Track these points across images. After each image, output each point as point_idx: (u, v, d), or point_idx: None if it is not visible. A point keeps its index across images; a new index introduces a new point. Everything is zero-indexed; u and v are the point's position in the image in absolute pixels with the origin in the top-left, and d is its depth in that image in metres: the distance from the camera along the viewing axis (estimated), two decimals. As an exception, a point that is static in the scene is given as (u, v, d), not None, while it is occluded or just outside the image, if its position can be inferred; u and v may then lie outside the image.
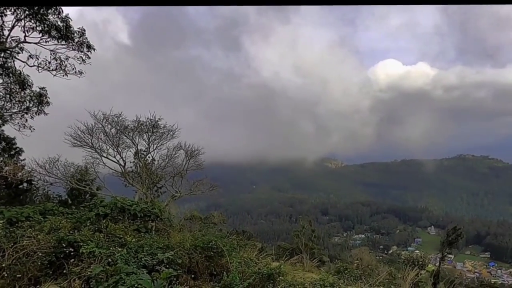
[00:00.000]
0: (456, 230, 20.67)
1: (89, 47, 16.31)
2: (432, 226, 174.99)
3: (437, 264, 20.00)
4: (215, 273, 8.54)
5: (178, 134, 16.65)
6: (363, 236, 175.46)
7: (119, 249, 7.30)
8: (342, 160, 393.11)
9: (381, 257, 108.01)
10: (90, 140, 15.91)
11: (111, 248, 7.34)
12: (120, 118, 16.33)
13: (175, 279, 7.01)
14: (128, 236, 8.62)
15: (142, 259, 6.97)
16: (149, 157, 17.31)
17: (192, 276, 8.23)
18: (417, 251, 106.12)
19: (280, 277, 6.47)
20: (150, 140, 16.61)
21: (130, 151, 17.13)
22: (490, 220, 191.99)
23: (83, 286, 5.74)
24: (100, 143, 16.19)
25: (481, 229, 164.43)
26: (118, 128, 16.33)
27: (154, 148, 16.85)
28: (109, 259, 6.69)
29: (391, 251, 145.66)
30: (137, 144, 16.80)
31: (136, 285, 4.22)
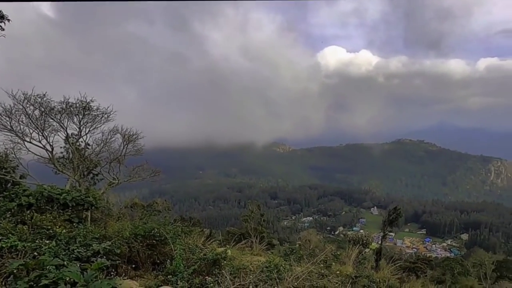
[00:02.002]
0: (396, 210, 22.41)
1: (2, 17, 14.45)
2: (375, 207, 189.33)
3: (380, 242, 21.59)
4: (158, 261, 8.38)
5: (113, 116, 15.66)
6: (311, 218, 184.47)
7: (47, 242, 6.80)
8: (292, 144, 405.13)
9: (328, 238, 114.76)
10: (8, 122, 14.37)
11: (38, 241, 6.80)
12: (45, 99, 14.90)
13: (113, 270, 6.73)
14: (57, 227, 8.05)
15: (75, 251, 6.56)
16: (82, 141, 16.15)
17: (133, 266, 7.99)
18: (362, 231, 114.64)
19: (225, 262, 6.52)
20: (82, 123, 15.43)
21: (59, 135, 15.82)
22: (426, 200, 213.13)
23: (3, 283, 5.26)
24: (22, 126, 14.71)
25: (418, 208, 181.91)
26: (43, 109, 14.90)
27: (87, 132, 15.70)
28: (35, 253, 6.20)
29: (337, 231, 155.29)
30: (66, 128, 15.52)
31: (62, 278, 3.93)
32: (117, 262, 7.33)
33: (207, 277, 6.23)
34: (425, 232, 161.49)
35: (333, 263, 6.33)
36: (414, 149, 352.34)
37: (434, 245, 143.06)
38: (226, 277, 5.19)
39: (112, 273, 6.47)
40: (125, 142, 15.89)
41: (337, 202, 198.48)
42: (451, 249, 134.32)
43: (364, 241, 19.99)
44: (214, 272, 6.53)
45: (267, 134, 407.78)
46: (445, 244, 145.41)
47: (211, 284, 5.34)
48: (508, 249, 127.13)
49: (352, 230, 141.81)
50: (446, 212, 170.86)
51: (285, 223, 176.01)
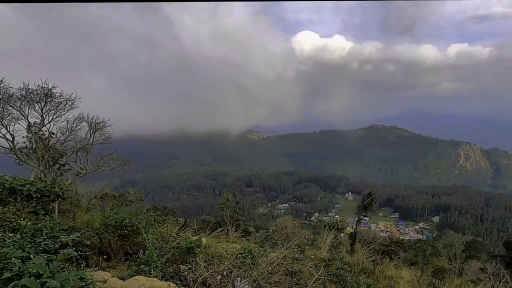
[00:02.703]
0: (370, 195, 23.14)
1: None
2: (350, 192, 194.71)
3: (354, 226, 22.31)
4: (131, 251, 8.36)
5: (78, 104, 15.12)
6: (286, 205, 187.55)
7: (11, 235, 6.62)
8: (267, 131, 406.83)
9: (304, 224, 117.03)
10: (-39, 110, 13.63)
11: (1, 234, 6.61)
12: (2, 85, 14.19)
13: (84, 262, 6.67)
14: (22, 219, 7.83)
15: (41, 243, 6.44)
16: (45, 130, 15.54)
17: (105, 257, 7.95)
18: (337, 216, 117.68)
19: (198, 249, 6.61)
20: (44, 111, 14.82)
21: (20, 123, 15.14)
22: (398, 185, 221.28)
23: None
24: (-23, 115, 13.99)
25: (391, 193, 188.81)
26: (1, 97, 14.21)
27: (50, 120, 15.11)
28: (-2, 247, 6.02)
29: (313, 217, 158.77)
30: (28, 116, 14.88)
31: (26, 270, 3.86)
32: (88, 253, 7.26)
33: (181, 265, 6.30)
34: (398, 216, 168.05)
35: (307, 247, 6.55)
36: (387, 134, 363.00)
37: (407, 228, 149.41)
38: (200, 264, 5.28)
39: (82, 264, 6.42)
40: (91, 131, 15.44)
41: (312, 189, 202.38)
42: (423, 232, 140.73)
43: (339, 226, 20.63)
44: (188, 260, 6.60)
45: (242, 121, 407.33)
46: (417, 227, 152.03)
47: (185, 272, 5.41)
48: (476, 230, 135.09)
49: (328, 216, 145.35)
50: (418, 196, 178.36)
51: (261, 210, 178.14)
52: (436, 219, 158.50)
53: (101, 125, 15.55)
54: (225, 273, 4.99)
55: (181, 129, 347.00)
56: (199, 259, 5.71)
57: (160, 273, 6.46)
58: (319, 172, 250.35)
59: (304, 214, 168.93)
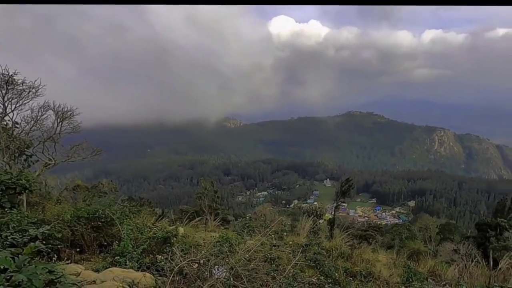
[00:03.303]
0: (348, 181, 23.62)
1: None
2: (328, 179, 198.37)
3: (333, 212, 22.77)
4: (105, 243, 8.25)
5: (43, 91, 14.45)
6: (265, 193, 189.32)
7: (-26, 230, 6.35)
8: (245, 120, 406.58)
9: (283, 211, 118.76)
10: None
11: (-37, 230, 6.34)
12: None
13: (55, 255, 6.52)
14: (-14, 214, 7.52)
15: (8, 237, 6.22)
16: (8, 120, 14.85)
17: (78, 249, 7.80)
18: (316, 203, 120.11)
19: (175, 239, 6.59)
20: (6, 99, 14.12)
21: (-21, 112, 14.40)
22: (375, 170, 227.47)
23: None
24: None
25: (368, 179, 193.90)
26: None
27: (13, 109, 14.43)
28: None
29: (292, 205, 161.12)
30: (-13, 105, 14.15)
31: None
32: (59, 246, 7.10)
33: (158, 255, 6.26)
34: (375, 201, 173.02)
35: (285, 234, 6.67)
36: (364, 121, 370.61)
37: (384, 213, 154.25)
38: (176, 253, 5.26)
39: (53, 258, 6.27)
40: (58, 120, 14.86)
41: (291, 176, 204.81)
42: (400, 216, 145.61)
43: (318, 213, 21.04)
44: (165, 250, 6.57)
45: (219, 109, 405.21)
46: (394, 212, 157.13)
47: (162, 262, 5.39)
48: (450, 213, 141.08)
49: (307, 203, 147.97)
50: (395, 181, 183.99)
51: (240, 198, 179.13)
52: (412, 203, 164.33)
53: (68, 113, 14.98)
54: (201, 261, 4.99)
55: (156, 117, 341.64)
56: (176, 248, 5.69)
57: (136, 264, 6.41)
58: (298, 160, 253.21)
59: (283, 201, 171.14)
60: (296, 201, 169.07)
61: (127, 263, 6.44)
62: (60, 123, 14.91)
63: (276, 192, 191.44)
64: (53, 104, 14.75)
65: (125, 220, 8.39)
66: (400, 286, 5.85)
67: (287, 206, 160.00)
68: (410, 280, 5.99)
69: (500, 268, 8.47)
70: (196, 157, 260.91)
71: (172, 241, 6.78)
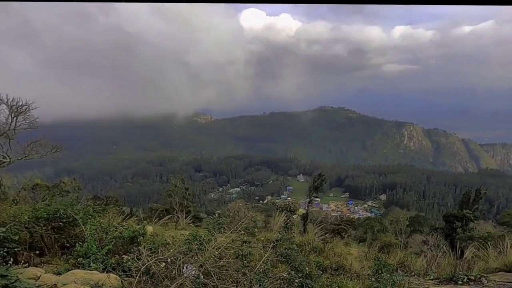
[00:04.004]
0: (320, 176, 24.03)
1: None
2: (301, 174, 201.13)
3: (306, 207, 23.12)
4: (68, 245, 7.97)
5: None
6: (238, 189, 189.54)
7: None
8: (217, 115, 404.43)
9: (257, 207, 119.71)
10: None
11: None
12: None
13: (12, 259, 6.23)
14: None
15: (-42, 242, 5.88)
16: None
17: (37, 252, 7.50)
18: (289, 198, 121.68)
19: (142, 238, 6.47)
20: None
21: None
22: (348, 165, 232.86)
23: None
24: None
25: (341, 173, 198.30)
26: None
27: (-41, 103, 13.54)
28: None
29: (266, 200, 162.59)
30: None
31: None
32: (16, 249, 6.80)
33: (124, 255, 6.13)
34: (348, 196, 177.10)
35: (256, 230, 6.71)
36: (336, 116, 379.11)
37: (356, 207, 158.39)
38: (142, 253, 5.17)
39: (9, 262, 5.98)
40: (13, 114, 14.08)
41: (264, 172, 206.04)
42: (372, 210, 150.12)
43: (292, 208, 21.23)
44: (132, 250, 6.44)
45: (189, 104, 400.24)
46: (366, 206, 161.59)
47: (128, 262, 5.28)
48: (419, 205, 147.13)
49: (280, 198, 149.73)
50: (366, 176, 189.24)
51: (212, 195, 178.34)
52: (383, 197, 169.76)
53: (24, 108, 14.22)
54: (169, 260, 4.93)
55: (122, 112, 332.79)
56: (142, 247, 5.58)
57: (101, 265, 6.24)
58: (270, 155, 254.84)
59: (257, 197, 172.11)
60: (269, 197, 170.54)
61: (91, 265, 6.26)
62: (15, 118, 14.14)
63: (249, 188, 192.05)
64: (6, 97, 13.95)
65: (89, 220, 8.14)
66: (370, 278, 6.04)
67: (261, 202, 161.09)
68: (380, 271, 6.21)
69: (465, 258, 8.95)
70: (165, 154, 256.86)
71: (139, 240, 6.65)
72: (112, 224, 8.34)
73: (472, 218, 21.43)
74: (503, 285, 5.72)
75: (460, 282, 5.93)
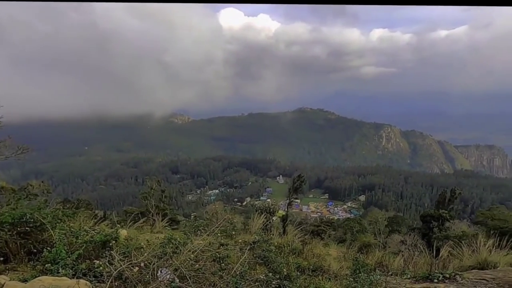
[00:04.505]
0: (300, 177, 24.19)
1: None
2: (281, 176, 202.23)
3: (286, 209, 23.25)
4: (35, 251, 7.70)
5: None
6: (217, 191, 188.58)
7: None
8: (195, 115, 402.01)
9: (236, 209, 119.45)
10: None
11: None
12: None
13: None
14: None
15: None
16: None
17: (1, 259, 7.21)
18: (269, 200, 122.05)
19: (114, 242, 6.33)
20: None
21: None
22: (327, 166, 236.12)
23: None
24: None
25: (320, 174, 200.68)
26: None
27: None
28: None
29: (245, 202, 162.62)
30: None
31: None
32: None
33: (95, 260, 5.97)
34: (327, 197, 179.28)
35: (233, 233, 6.69)
36: (315, 117, 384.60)
37: (336, 208, 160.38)
38: (115, 257, 5.05)
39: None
40: (-27, 114, 13.45)
41: (243, 173, 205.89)
42: (351, 210, 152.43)
43: (271, 210, 21.28)
44: (104, 254, 6.29)
45: (166, 104, 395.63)
46: (345, 206, 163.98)
47: (100, 267, 5.14)
48: (397, 206, 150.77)
49: (260, 200, 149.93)
50: (346, 177, 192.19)
51: (190, 197, 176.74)
52: (362, 197, 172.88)
53: (-14, 106, 13.62)
54: (143, 264, 4.84)
55: (94, 111, 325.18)
56: (115, 252, 5.45)
57: (71, 271, 6.05)
58: (249, 156, 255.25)
59: (236, 199, 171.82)
60: (248, 199, 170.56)
61: (60, 271, 6.06)
62: (-23, 117, 13.55)
63: (228, 190, 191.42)
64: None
65: (58, 225, 7.89)
66: (348, 278, 6.13)
67: (240, 204, 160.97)
68: (358, 272, 6.31)
69: (441, 256, 9.24)
70: (140, 155, 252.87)
71: (111, 244, 6.50)
72: (83, 228, 8.12)
73: (448, 217, 22.12)
74: (476, 282, 5.94)
75: (435, 280, 6.11)
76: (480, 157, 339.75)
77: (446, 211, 22.55)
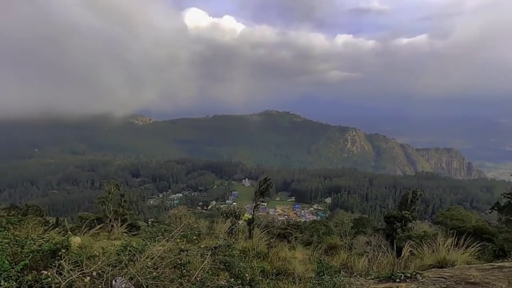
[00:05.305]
0: (266, 180, 24.26)
1: None
2: (247, 179, 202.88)
3: (252, 212, 23.22)
4: (-26, 262, 7.15)
5: None
6: (180, 195, 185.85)
7: None
8: (156, 116, 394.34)
9: (201, 213, 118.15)
10: None
11: None
12: None
13: None
14: None
15: None
16: None
17: None
18: (234, 203, 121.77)
19: (64, 251, 5.99)
20: None
21: None
22: (293, 169, 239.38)
23: None
24: None
25: (287, 177, 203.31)
26: None
27: None
28: None
29: (210, 206, 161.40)
30: None
31: None
32: None
33: (43, 271, 5.61)
34: (294, 199, 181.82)
35: (195, 238, 6.55)
36: (281, 120, 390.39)
37: (303, 211, 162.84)
38: (64, 267, 4.77)
39: None
40: None
41: (207, 176, 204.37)
42: (318, 213, 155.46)
43: (237, 213, 21.17)
44: (53, 264, 5.93)
45: (126, 104, 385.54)
46: (312, 209, 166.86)
47: (48, 278, 4.84)
48: (363, 208, 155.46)
49: (225, 203, 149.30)
50: (312, 179, 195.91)
51: (151, 202, 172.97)
52: (328, 200, 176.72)
53: None
54: (95, 273, 4.60)
55: (46, 111, 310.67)
56: (64, 261, 5.15)
57: (15, 283, 5.64)
58: (214, 159, 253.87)
59: (200, 203, 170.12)
60: (214, 202, 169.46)
61: (2, 283, 5.66)
62: None
63: (192, 193, 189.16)
64: None
65: (0, 233, 7.38)
66: (312, 281, 6.18)
67: (205, 207, 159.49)
68: (322, 274, 6.37)
69: (403, 256, 9.56)
70: (97, 157, 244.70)
71: (61, 253, 6.15)
72: (30, 236, 7.65)
73: (410, 218, 23.03)
74: (436, 280, 6.18)
75: (397, 280, 6.29)
76: (440, 159, 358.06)
77: (409, 212, 23.47)
